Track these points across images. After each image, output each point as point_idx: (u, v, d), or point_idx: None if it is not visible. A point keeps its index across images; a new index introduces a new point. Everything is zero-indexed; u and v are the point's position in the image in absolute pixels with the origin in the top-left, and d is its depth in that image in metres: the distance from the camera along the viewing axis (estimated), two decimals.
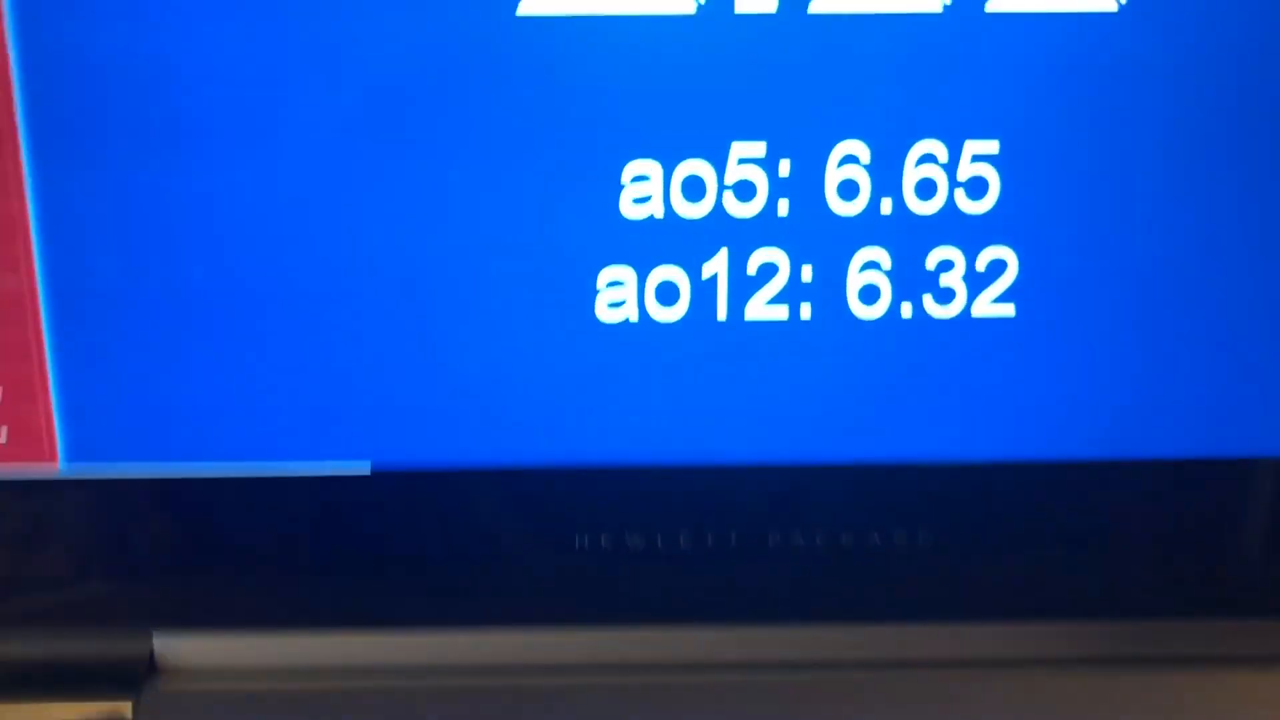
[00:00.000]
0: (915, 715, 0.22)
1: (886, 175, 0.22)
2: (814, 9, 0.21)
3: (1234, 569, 0.23)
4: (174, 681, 0.23)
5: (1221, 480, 0.23)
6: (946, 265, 0.22)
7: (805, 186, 0.22)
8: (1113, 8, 0.21)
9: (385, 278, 0.22)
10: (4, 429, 0.22)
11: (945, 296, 0.22)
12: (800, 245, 0.22)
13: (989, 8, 0.21)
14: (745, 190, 0.22)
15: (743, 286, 0.22)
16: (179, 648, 0.23)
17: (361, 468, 0.23)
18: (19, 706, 0.23)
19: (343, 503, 0.23)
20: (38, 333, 0.22)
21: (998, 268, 0.22)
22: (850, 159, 0.22)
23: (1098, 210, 0.22)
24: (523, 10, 0.21)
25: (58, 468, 0.22)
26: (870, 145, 0.22)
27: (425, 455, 0.22)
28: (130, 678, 0.23)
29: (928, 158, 0.22)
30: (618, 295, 0.22)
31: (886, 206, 0.22)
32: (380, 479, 0.22)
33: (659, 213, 0.22)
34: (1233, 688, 0.22)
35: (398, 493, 0.23)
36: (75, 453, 0.22)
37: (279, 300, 0.22)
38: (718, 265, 0.22)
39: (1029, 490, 0.23)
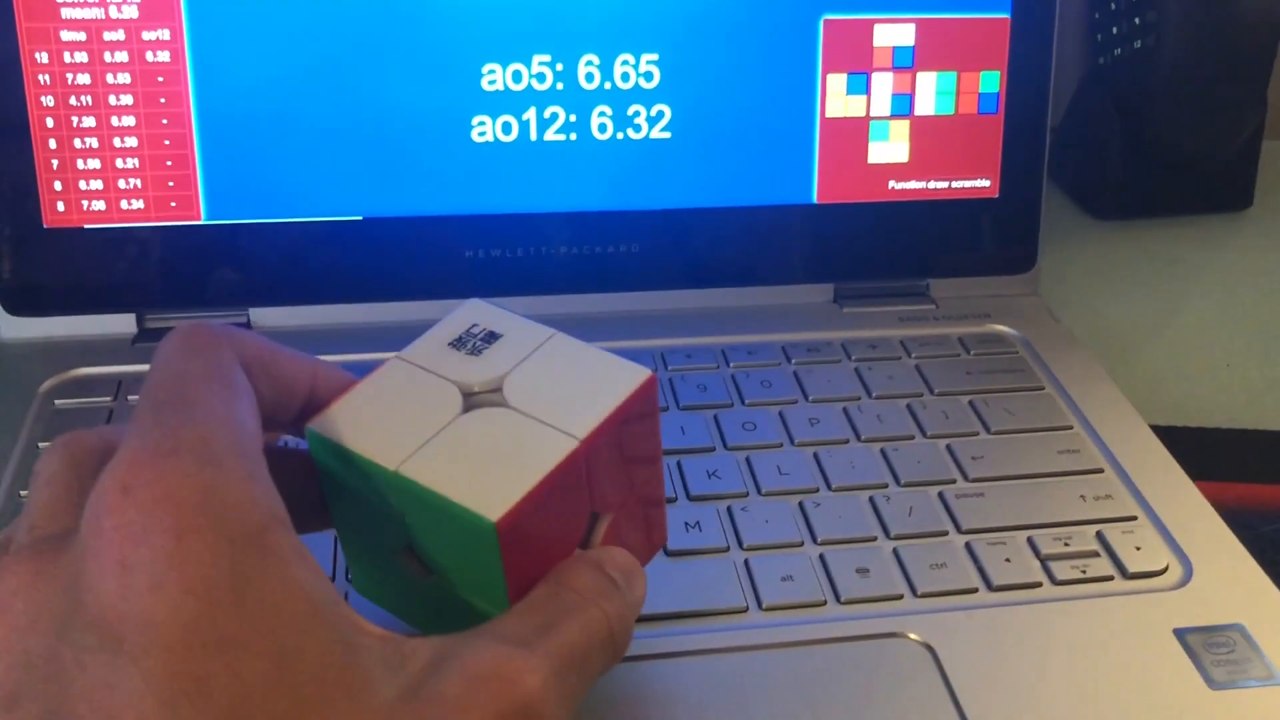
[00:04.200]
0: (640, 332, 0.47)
1: (607, 71, 0.46)
2: None
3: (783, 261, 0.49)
4: (266, 331, 0.46)
5: (761, 219, 0.48)
6: (637, 114, 0.47)
7: (570, 76, 0.46)
8: None
9: (369, 120, 0.45)
10: (174, 200, 0.44)
11: (638, 129, 0.47)
12: (568, 105, 0.46)
13: None
14: (541, 78, 0.46)
15: (543, 125, 0.46)
16: (263, 315, 0.46)
17: (356, 216, 0.46)
18: None
19: (348, 237, 0.46)
20: (193, 143, 0.44)
21: (661, 115, 0.47)
22: (590, 63, 0.46)
23: (709, 82, 0.47)
24: None
25: (201, 220, 0.45)
26: (599, 55, 0.46)
27: (395, 210, 0.46)
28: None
29: (625, 61, 0.46)
30: (482, 130, 0.46)
31: (607, 85, 0.46)
32: (368, 223, 0.46)
33: (500, 87, 0.45)
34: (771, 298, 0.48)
35: (390, 230, 0.46)
36: (210, 211, 0.45)
37: (325, 128, 0.44)
38: (531, 114, 0.46)
39: (681, 221, 0.48)
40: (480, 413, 0.27)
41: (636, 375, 0.28)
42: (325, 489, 0.29)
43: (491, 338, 0.29)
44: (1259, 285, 0.56)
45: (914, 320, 0.49)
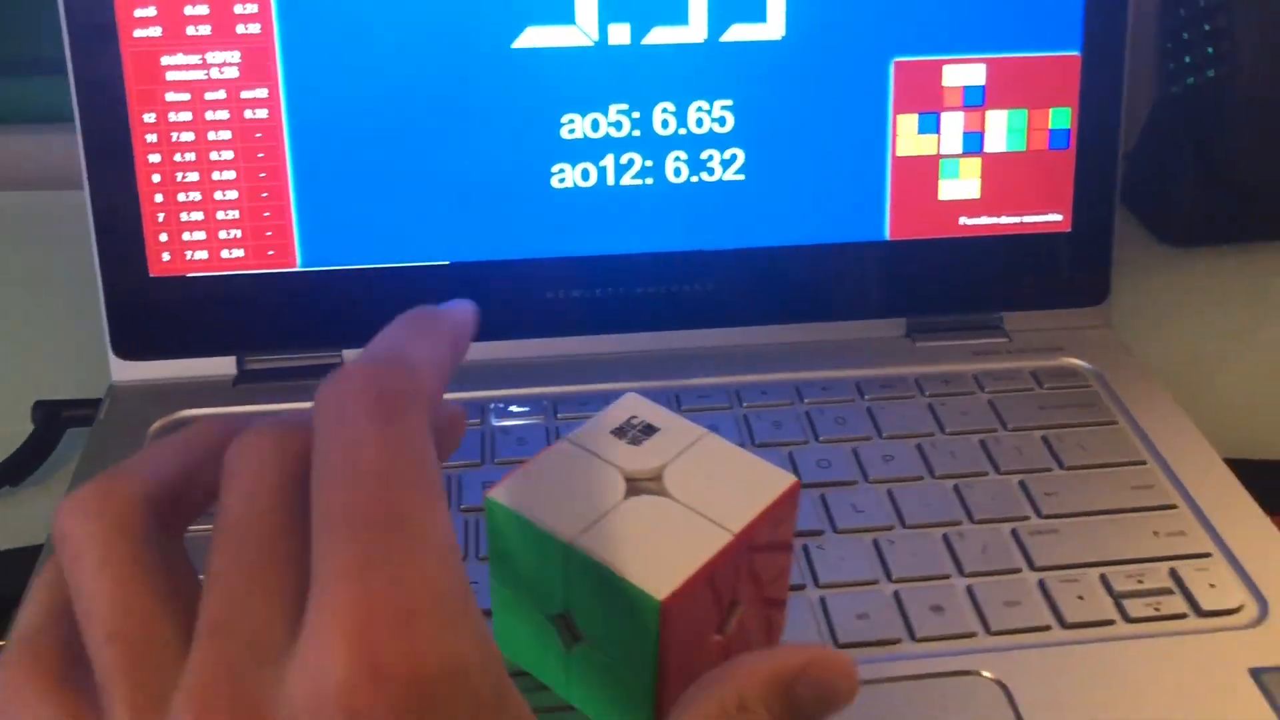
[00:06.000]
0: (711, 370, 0.48)
1: (681, 118, 0.47)
2: (646, 41, 0.46)
3: (850, 294, 0.50)
4: None
5: (828, 254, 0.49)
6: (711, 157, 0.48)
7: (645, 123, 0.47)
8: (778, 36, 0.47)
9: (455, 170, 0.47)
10: (272, 249, 0.47)
11: (711, 172, 0.48)
12: (644, 151, 0.47)
13: (720, 39, 0.47)
14: (618, 126, 0.47)
15: (620, 171, 0.48)
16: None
17: (444, 261, 0.48)
18: (274, 385, 0.47)
19: (436, 280, 0.48)
20: (290, 195, 0.46)
21: (735, 158, 0.48)
22: (665, 110, 0.47)
23: (781, 125, 0.48)
24: (515, 45, 0.46)
25: (297, 266, 0.47)
26: (674, 103, 0.47)
27: (480, 254, 0.48)
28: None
29: (699, 108, 0.47)
30: (562, 177, 0.47)
31: (682, 131, 0.47)
32: (455, 267, 0.48)
33: (580, 136, 0.47)
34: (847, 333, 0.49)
35: (477, 273, 0.48)
36: (306, 258, 0.47)
37: (414, 178, 0.46)
38: (608, 161, 0.47)
39: (756, 260, 0.49)
40: (645, 499, 0.31)
41: (783, 480, 0.32)
42: (491, 552, 0.32)
43: (650, 430, 0.33)
44: None
45: (987, 354, 0.49)
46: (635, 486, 0.31)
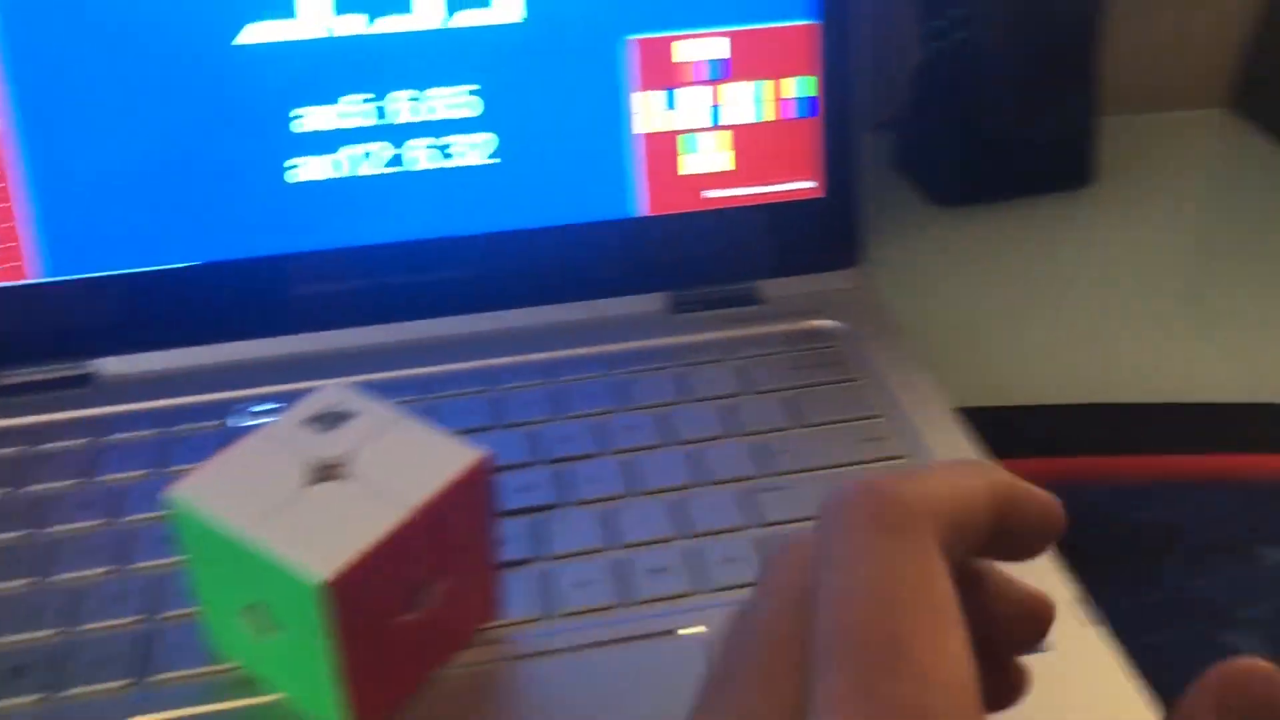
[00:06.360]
0: (479, 353, 0.49)
1: (420, 105, 0.48)
2: (373, 31, 0.46)
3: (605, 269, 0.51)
4: (106, 379, 0.48)
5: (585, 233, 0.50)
6: (455, 143, 0.48)
7: (382, 112, 0.47)
8: (513, 19, 0.47)
9: (193, 171, 0.46)
10: (12, 262, 0.46)
11: (455, 157, 0.48)
12: (384, 139, 0.48)
13: (452, 25, 0.47)
14: (353, 116, 0.47)
15: (359, 162, 0.48)
16: (107, 364, 0.48)
17: (195, 262, 0.47)
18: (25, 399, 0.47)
19: (185, 282, 0.48)
20: (27, 208, 0.46)
21: (480, 142, 0.48)
22: (402, 99, 0.47)
23: (523, 108, 0.48)
24: (236, 42, 0.46)
25: (42, 278, 0.46)
26: (411, 90, 0.47)
27: (226, 254, 0.47)
28: (84, 380, 0.47)
29: (438, 95, 0.48)
30: (299, 171, 0.47)
31: (422, 118, 0.48)
32: (209, 267, 0.47)
33: (316, 128, 0.47)
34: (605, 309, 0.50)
35: (221, 273, 0.47)
36: (54, 269, 0.46)
37: (155, 182, 0.46)
38: (346, 153, 0.48)
39: (508, 243, 0.49)
40: (327, 485, 0.31)
41: (470, 455, 0.32)
42: (184, 550, 0.32)
43: (344, 418, 0.33)
44: (1094, 262, 0.58)
45: (744, 322, 0.50)
46: (321, 474, 0.32)
